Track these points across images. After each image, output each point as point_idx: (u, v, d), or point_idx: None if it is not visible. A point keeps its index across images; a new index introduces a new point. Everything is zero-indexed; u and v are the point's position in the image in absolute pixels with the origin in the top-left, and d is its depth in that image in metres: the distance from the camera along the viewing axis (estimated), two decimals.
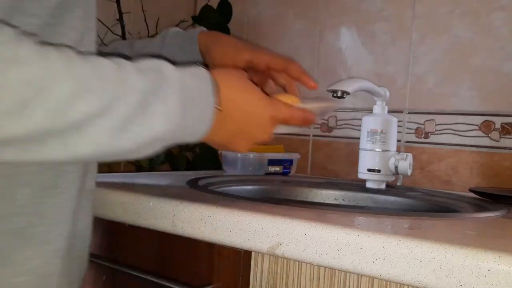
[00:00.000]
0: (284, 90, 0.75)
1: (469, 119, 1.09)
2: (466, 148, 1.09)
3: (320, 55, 1.31)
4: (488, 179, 1.06)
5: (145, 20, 1.33)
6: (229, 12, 1.34)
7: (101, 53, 0.48)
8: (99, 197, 0.71)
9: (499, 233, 0.54)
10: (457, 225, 0.57)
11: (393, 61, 1.20)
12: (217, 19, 1.32)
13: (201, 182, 0.84)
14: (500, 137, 1.06)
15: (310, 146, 1.32)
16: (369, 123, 0.95)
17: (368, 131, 0.95)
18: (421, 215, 0.63)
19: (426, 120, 1.15)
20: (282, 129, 0.63)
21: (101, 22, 1.26)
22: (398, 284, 0.53)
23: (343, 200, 0.95)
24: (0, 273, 0.47)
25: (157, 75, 0.48)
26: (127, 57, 0.49)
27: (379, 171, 0.93)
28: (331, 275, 0.57)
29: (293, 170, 1.17)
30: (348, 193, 0.95)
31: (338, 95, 0.87)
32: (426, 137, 1.15)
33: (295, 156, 1.17)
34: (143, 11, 1.35)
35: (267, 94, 0.62)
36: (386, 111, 0.97)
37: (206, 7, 1.35)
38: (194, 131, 0.53)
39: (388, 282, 0.53)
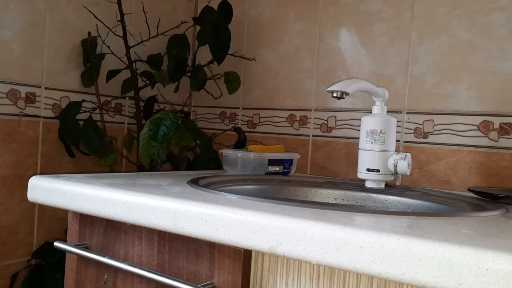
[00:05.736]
0: None
1: (467, 119, 1.10)
2: (465, 148, 1.10)
3: (319, 56, 1.32)
4: (487, 178, 1.07)
5: (146, 21, 1.34)
6: (230, 13, 1.34)
7: None
8: (101, 197, 0.71)
9: (497, 233, 0.54)
10: (456, 224, 0.58)
11: (392, 61, 1.20)
12: (217, 20, 1.32)
13: (202, 182, 0.85)
14: (499, 137, 1.06)
15: (310, 146, 1.32)
16: (368, 123, 0.96)
17: (367, 131, 0.95)
18: (420, 214, 0.63)
19: (425, 120, 1.15)
20: None
21: (102, 23, 1.27)
22: (397, 283, 0.53)
23: (342, 199, 0.96)
24: None
25: None
26: None
27: (378, 170, 0.94)
28: (330, 274, 0.58)
29: (293, 170, 1.17)
30: (348, 193, 0.95)
31: (338, 96, 0.88)
32: (425, 137, 1.15)
33: (295, 156, 1.17)
34: (144, 12, 1.36)
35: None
36: (385, 111, 0.97)
37: (207, 8, 1.36)
38: None
39: (387, 281, 0.54)
